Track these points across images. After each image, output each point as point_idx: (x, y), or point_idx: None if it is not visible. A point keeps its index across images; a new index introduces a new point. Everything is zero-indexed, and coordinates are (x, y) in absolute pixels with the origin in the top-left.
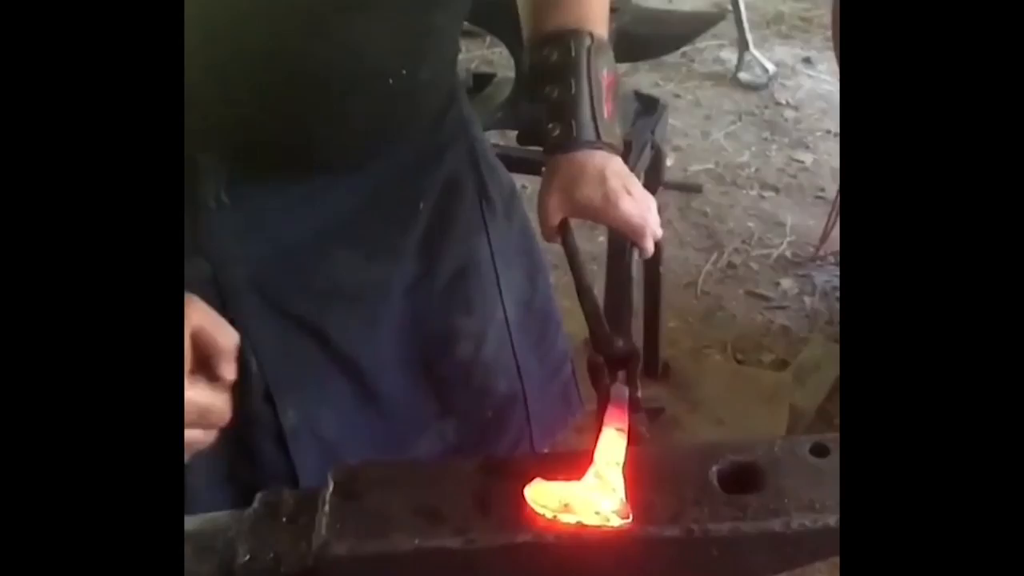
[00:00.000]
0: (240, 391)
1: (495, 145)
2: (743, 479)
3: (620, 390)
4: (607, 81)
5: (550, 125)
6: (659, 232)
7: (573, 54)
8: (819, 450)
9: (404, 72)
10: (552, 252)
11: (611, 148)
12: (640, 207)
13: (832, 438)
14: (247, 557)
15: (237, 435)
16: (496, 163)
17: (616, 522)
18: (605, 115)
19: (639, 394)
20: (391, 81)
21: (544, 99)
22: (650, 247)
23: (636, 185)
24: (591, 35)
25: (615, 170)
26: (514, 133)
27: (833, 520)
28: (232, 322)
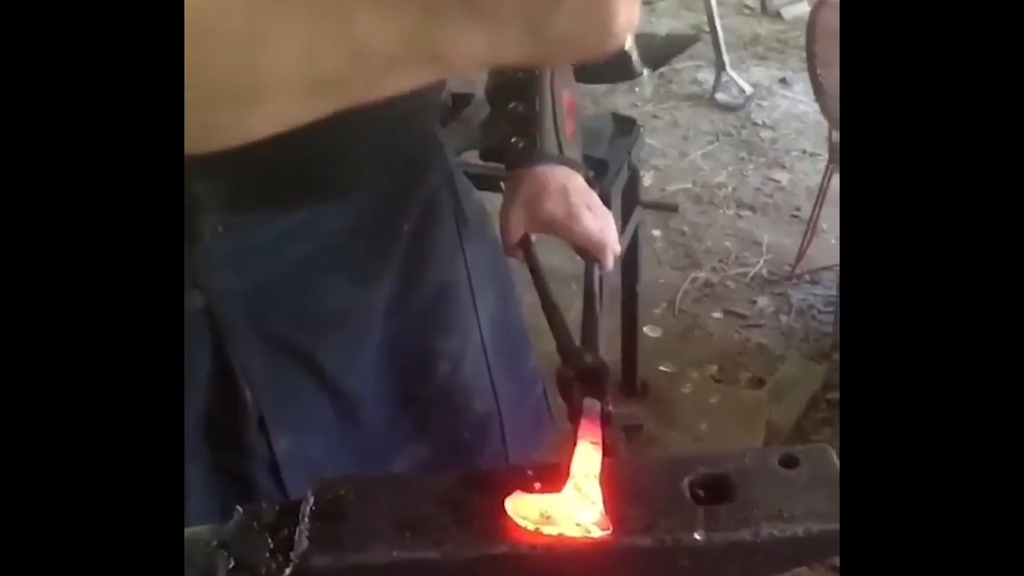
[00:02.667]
0: (235, 423)
1: (470, 163)
2: (714, 490)
3: (591, 404)
4: (568, 103)
5: (513, 139)
6: (618, 248)
7: (537, 72)
8: (788, 462)
9: (411, 93)
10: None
11: (573, 165)
12: (601, 223)
13: (800, 450)
14: (227, 569)
15: (232, 468)
16: (468, 183)
17: (596, 533)
18: (567, 132)
19: (611, 407)
20: (399, 103)
21: (508, 114)
22: (610, 262)
23: (596, 202)
24: None
25: (576, 187)
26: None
27: (801, 530)
28: (225, 353)
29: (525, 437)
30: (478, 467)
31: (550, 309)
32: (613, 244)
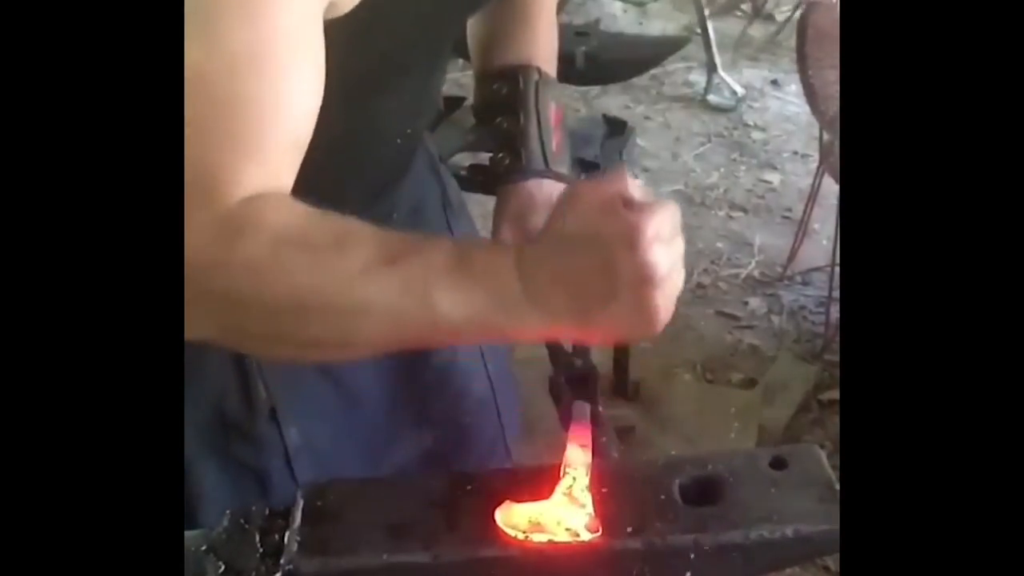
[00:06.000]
0: (249, 416)
1: (462, 166)
2: (704, 492)
3: (581, 407)
4: (555, 115)
5: (500, 155)
6: None
7: (522, 87)
8: (777, 463)
9: (409, 131)
10: None
11: (559, 177)
12: None
13: (789, 451)
14: (217, 573)
15: (246, 461)
16: (446, 169)
17: (586, 536)
18: (553, 146)
19: (600, 409)
20: (399, 140)
21: (493, 130)
22: None
23: None
24: (539, 71)
25: None
26: (486, 154)
27: (791, 530)
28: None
29: (512, 415)
30: (479, 452)
31: None
32: None
